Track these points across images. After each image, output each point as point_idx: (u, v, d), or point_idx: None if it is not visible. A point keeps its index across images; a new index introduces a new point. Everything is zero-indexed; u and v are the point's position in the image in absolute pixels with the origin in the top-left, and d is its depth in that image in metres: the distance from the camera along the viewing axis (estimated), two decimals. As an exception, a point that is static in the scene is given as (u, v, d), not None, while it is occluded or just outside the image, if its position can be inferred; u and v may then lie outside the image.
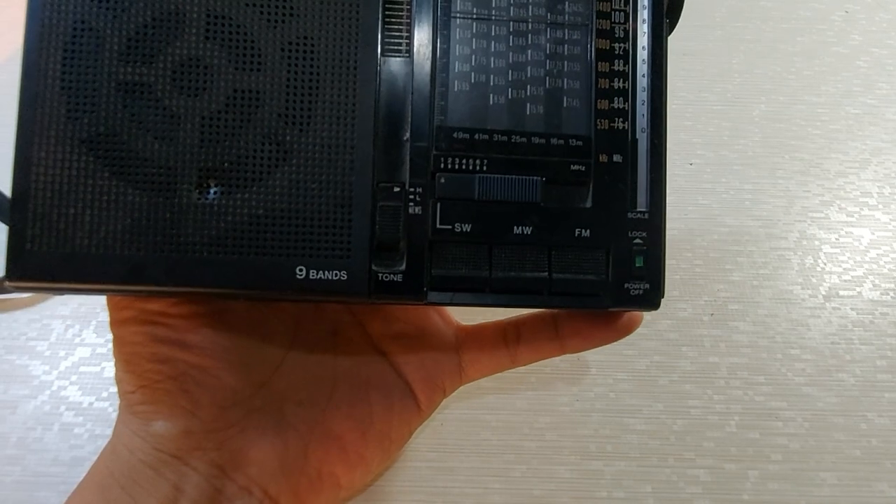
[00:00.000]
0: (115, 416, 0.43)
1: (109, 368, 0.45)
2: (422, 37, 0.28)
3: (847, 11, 0.59)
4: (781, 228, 0.52)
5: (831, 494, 0.45)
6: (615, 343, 0.34)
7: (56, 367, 0.45)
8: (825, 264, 0.51)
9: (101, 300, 0.36)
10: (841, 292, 0.50)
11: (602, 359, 0.48)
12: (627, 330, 0.33)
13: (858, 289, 0.51)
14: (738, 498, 0.45)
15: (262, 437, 0.32)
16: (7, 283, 0.26)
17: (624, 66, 0.29)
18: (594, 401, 0.47)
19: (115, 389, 0.37)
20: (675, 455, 0.45)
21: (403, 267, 0.27)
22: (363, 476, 0.34)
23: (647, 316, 0.33)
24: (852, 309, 0.50)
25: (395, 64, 0.28)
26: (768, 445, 0.46)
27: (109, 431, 0.31)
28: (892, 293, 0.50)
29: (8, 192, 0.26)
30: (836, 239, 0.52)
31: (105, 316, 0.45)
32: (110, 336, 0.31)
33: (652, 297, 0.29)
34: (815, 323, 0.49)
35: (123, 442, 0.30)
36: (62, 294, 0.36)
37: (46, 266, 0.26)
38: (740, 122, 0.55)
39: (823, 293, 0.50)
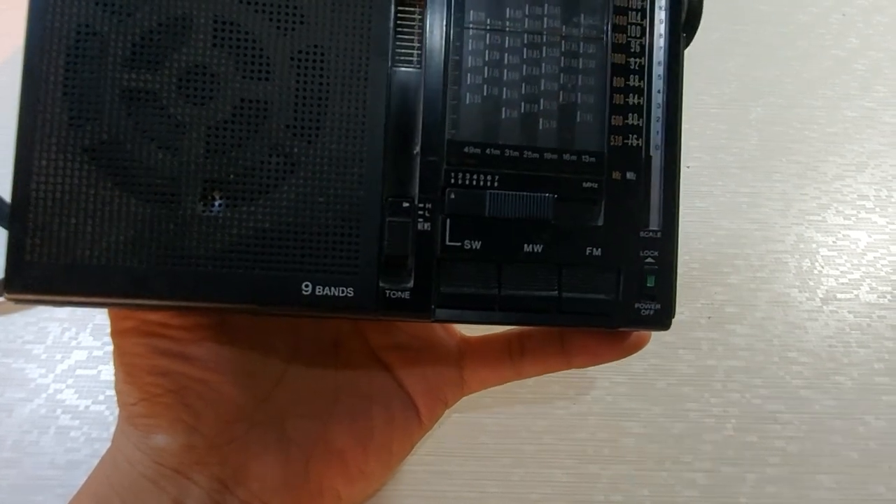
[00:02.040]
0: (111, 419, 0.43)
1: (106, 371, 0.45)
2: (434, 47, 0.27)
3: (844, 15, 0.59)
4: (778, 231, 0.52)
5: (829, 497, 0.45)
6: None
7: (52, 370, 0.45)
8: (822, 267, 0.51)
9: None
10: (838, 295, 0.50)
11: (599, 362, 0.48)
12: (635, 348, 0.32)
13: (856, 292, 0.51)
14: (736, 501, 0.45)
15: (265, 451, 0.31)
16: (6, 296, 0.26)
17: (639, 81, 0.29)
18: (591, 404, 0.47)
19: (111, 392, 0.36)
20: (673, 458, 0.46)
21: (411, 284, 0.27)
22: (364, 490, 0.34)
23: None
24: (849, 312, 0.50)
25: (406, 75, 0.27)
26: (766, 448, 0.46)
27: (106, 435, 0.31)
28: (889, 296, 0.51)
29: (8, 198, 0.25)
30: (834, 242, 0.52)
31: (101, 319, 0.44)
32: (107, 339, 0.30)
33: (662, 318, 0.29)
34: (813, 326, 0.49)
35: (123, 454, 0.30)
36: (62, 307, 0.35)
37: (46, 278, 0.25)
38: (737, 125, 0.54)
39: (821, 296, 0.50)
